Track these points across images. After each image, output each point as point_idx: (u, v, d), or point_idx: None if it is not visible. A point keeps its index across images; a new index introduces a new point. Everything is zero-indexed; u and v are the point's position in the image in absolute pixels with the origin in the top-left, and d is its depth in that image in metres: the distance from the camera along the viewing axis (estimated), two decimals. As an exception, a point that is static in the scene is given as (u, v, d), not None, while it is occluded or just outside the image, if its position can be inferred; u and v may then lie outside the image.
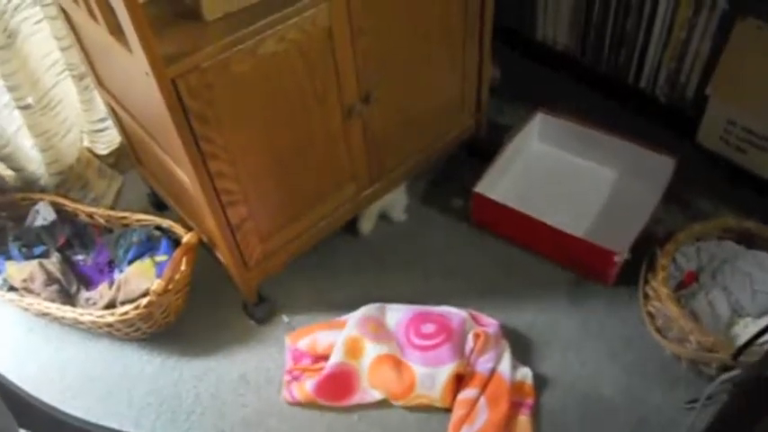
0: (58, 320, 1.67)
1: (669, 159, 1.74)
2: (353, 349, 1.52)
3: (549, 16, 2.13)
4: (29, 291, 1.63)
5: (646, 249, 1.58)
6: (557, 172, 1.91)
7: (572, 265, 1.68)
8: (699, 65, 1.80)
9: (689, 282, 1.53)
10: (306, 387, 1.49)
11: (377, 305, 1.60)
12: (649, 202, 1.67)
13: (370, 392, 1.49)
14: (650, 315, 1.52)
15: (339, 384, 1.49)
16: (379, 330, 1.55)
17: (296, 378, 1.53)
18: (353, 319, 1.57)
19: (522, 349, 1.55)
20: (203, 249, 1.64)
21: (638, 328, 1.56)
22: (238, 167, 1.34)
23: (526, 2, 2.16)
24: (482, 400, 1.43)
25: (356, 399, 1.49)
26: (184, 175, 1.37)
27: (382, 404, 1.49)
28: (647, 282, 1.54)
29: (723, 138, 1.78)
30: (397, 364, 1.49)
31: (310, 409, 1.50)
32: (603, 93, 2.10)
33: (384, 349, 1.51)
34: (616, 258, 1.56)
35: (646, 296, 1.54)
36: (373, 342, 1.51)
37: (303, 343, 1.57)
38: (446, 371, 1.45)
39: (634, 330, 1.56)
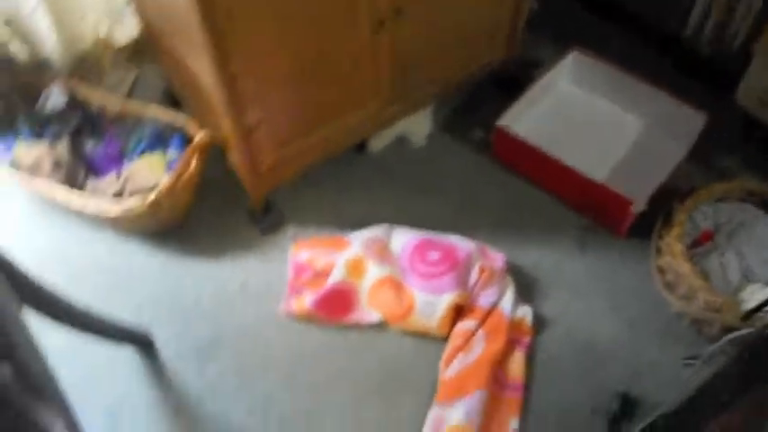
0: (64, 207, 1.65)
1: (700, 114, 1.68)
2: (356, 268, 1.51)
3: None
4: (36, 173, 1.61)
5: (664, 204, 1.55)
6: (583, 115, 1.86)
7: (587, 210, 1.65)
8: (749, 20, 1.72)
9: (704, 241, 1.50)
10: (305, 301, 1.49)
11: (384, 226, 1.59)
12: (674, 156, 1.63)
13: (368, 313, 1.49)
14: (660, 270, 1.50)
15: (338, 301, 1.49)
16: (384, 252, 1.53)
17: (297, 291, 1.53)
18: (358, 238, 1.55)
19: (525, 288, 1.54)
20: (215, 152, 1.61)
21: (645, 282, 1.54)
22: (260, 69, 1.29)
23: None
24: (480, 332, 1.43)
25: (354, 318, 1.49)
26: (204, 71, 1.32)
27: (379, 327, 1.49)
28: (661, 236, 1.52)
29: (762, 99, 1.71)
30: (398, 287, 1.48)
31: (307, 324, 1.50)
32: (643, 40, 2.01)
33: (386, 271, 1.49)
34: (632, 208, 1.52)
35: (658, 250, 1.51)
36: (376, 263, 1.50)
37: (305, 255, 1.56)
38: (446, 300, 1.45)
39: (641, 284, 1.55)
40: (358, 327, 1.49)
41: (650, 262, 1.54)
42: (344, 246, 1.55)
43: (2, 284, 1.01)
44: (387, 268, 1.50)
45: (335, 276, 1.50)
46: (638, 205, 1.52)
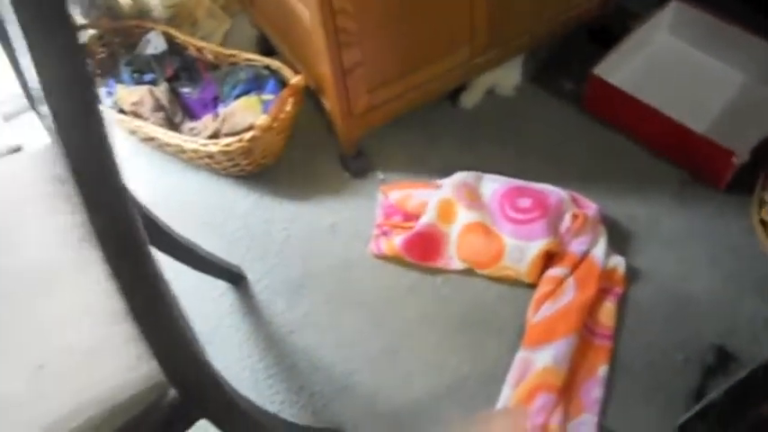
0: (162, 147, 1.71)
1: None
2: (446, 212, 1.51)
3: None
4: (137, 114, 1.67)
5: (766, 157, 1.48)
6: (683, 67, 1.79)
7: (685, 163, 1.60)
8: None
9: (811, 196, 1.44)
10: (394, 242, 1.50)
11: (474, 173, 1.58)
12: (779, 111, 1.56)
13: (455, 261, 1.49)
14: (763, 223, 1.44)
15: (427, 244, 1.50)
16: (474, 197, 1.53)
17: (385, 233, 1.54)
18: (449, 182, 1.55)
19: (619, 239, 1.51)
20: (308, 98, 1.63)
21: (745, 236, 1.49)
22: (360, 6, 1.30)
23: None
24: (570, 279, 1.41)
25: (441, 262, 1.50)
26: (305, 9, 1.34)
27: (467, 272, 1.49)
28: (764, 188, 1.46)
29: None
30: (487, 232, 1.47)
31: (394, 266, 1.52)
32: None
33: (476, 217, 1.49)
34: (734, 159, 1.47)
35: (760, 203, 1.45)
36: (466, 208, 1.50)
37: (395, 196, 1.57)
38: (537, 246, 1.43)
39: (741, 239, 1.49)
40: (445, 271, 1.50)
41: (752, 215, 1.48)
42: (434, 188, 1.55)
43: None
44: (476, 213, 1.49)
45: (426, 219, 1.50)
46: (740, 157, 1.47)
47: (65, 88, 0.54)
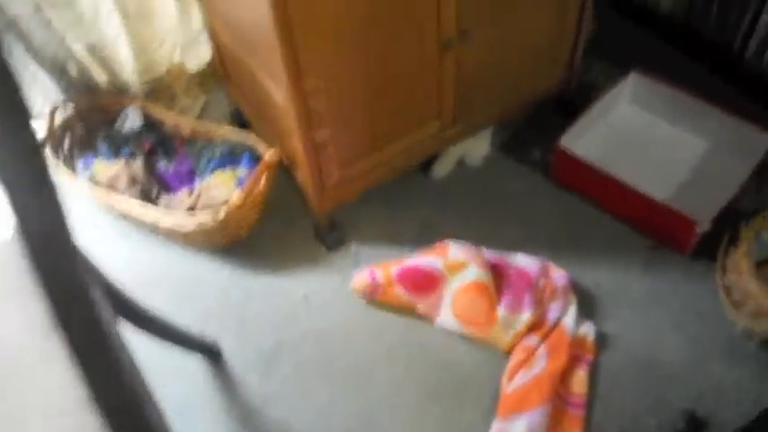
0: (138, 222, 1.73)
1: (765, 135, 1.67)
2: (454, 266, 1.52)
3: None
4: (114, 189, 1.69)
5: (729, 224, 1.53)
6: (644, 136, 1.86)
7: (650, 230, 1.64)
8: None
9: (771, 260, 1.48)
10: (391, 270, 1.52)
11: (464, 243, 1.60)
12: (739, 177, 1.61)
13: (446, 312, 1.50)
14: (726, 289, 1.48)
15: (424, 280, 1.52)
16: (482, 259, 1.54)
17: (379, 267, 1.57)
18: (457, 245, 1.57)
19: (588, 306, 1.54)
20: (282, 172, 1.67)
21: (710, 301, 1.52)
22: (331, 87, 1.35)
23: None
24: (542, 348, 1.43)
25: (431, 300, 1.51)
26: (277, 90, 1.39)
27: (443, 334, 1.51)
28: (726, 254, 1.50)
29: (828, 119, 1.70)
30: (489, 297, 1.49)
31: (369, 333, 1.53)
32: (704, 62, 2.01)
33: (485, 276, 1.50)
34: (697, 227, 1.52)
35: (723, 269, 1.50)
36: (477, 266, 1.51)
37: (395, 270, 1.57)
38: (524, 319, 1.46)
39: (706, 303, 1.53)
40: (425, 319, 1.52)
41: (716, 280, 1.52)
42: (443, 252, 1.57)
43: (104, 299, 1.07)
44: (486, 273, 1.51)
45: (432, 261, 1.53)
46: (703, 225, 1.51)
47: (15, 159, 0.56)
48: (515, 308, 1.47)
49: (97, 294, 0.65)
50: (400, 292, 1.52)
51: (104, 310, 0.66)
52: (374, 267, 1.57)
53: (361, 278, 1.56)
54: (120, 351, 0.69)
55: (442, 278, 1.52)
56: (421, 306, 1.53)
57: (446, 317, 1.50)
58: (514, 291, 1.49)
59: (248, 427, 1.42)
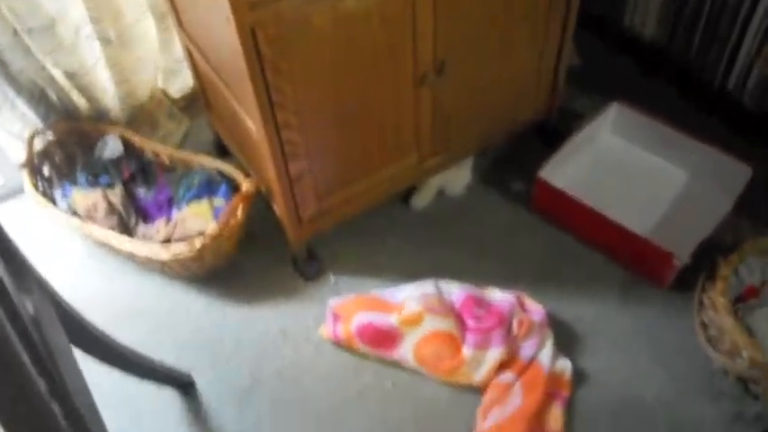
0: (115, 252, 1.71)
1: (746, 168, 1.66)
2: (410, 320, 1.50)
3: (640, 5, 2.04)
4: (91, 218, 1.68)
5: (708, 257, 1.53)
6: (625, 166, 1.86)
7: (628, 263, 1.64)
8: (792, 73, 1.71)
9: (749, 296, 1.47)
10: (350, 326, 1.50)
11: (430, 282, 1.57)
12: (718, 210, 1.61)
13: (410, 359, 1.49)
14: (703, 325, 1.47)
15: (381, 337, 1.50)
16: (441, 305, 1.52)
17: (340, 317, 1.54)
18: (410, 297, 1.54)
19: (565, 341, 1.52)
20: (261, 200, 1.66)
21: (687, 336, 1.51)
22: (305, 121, 1.34)
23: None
24: (517, 385, 1.42)
25: (396, 355, 1.49)
26: (252, 123, 1.38)
27: (417, 373, 1.49)
28: (704, 290, 1.49)
29: (808, 152, 1.69)
30: (452, 341, 1.47)
31: (344, 371, 1.51)
32: (686, 93, 2.02)
33: (444, 325, 1.49)
34: (675, 262, 1.51)
35: (701, 304, 1.49)
36: (432, 315, 1.49)
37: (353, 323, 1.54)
38: (493, 356, 1.44)
39: (683, 338, 1.52)
40: (398, 366, 1.51)
41: (693, 316, 1.51)
42: (397, 308, 1.54)
43: (54, 324, 1.05)
44: (444, 322, 1.49)
45: (388, 319, 1.51)
46: (681, 259, 1.51)
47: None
48: (482, 345, 1.45)
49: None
50: (361, 347, 1.51)
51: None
52: (337, 318, 1.55)
53: (326, 329, 1.55)
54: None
55: (397, 335, 1.49)
56: (386, 356, 1.51)
57: (413, 365, 1.49)
58: (484, 328, 1.47)
59: (220, 463, 1.40)
